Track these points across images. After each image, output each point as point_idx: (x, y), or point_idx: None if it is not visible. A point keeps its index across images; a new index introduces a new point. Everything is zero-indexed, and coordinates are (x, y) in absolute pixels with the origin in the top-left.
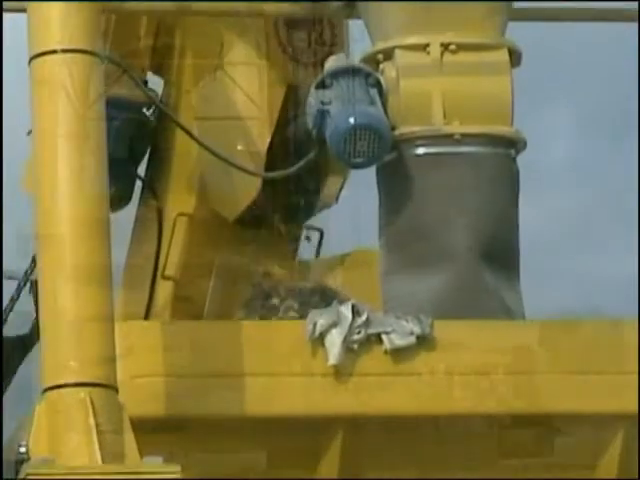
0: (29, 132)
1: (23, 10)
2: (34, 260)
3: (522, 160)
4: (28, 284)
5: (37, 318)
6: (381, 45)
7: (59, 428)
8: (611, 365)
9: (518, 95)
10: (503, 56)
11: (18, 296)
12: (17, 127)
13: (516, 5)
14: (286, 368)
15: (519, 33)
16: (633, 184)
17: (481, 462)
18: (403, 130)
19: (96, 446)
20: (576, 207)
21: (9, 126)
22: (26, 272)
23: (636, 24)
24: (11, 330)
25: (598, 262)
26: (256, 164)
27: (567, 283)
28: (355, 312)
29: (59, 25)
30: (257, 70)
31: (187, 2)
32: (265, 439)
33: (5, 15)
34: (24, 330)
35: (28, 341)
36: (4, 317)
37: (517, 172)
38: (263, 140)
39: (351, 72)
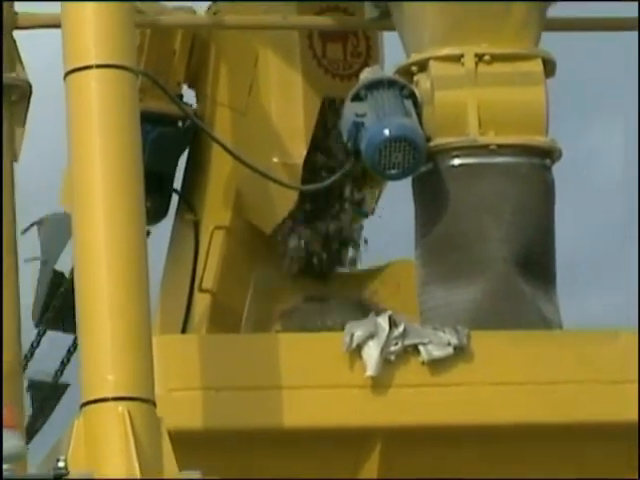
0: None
1: (58, 25)
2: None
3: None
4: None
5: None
6: (415, 57)
7: (97, 442)
8: None
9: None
10: (537, 66)
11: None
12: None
13: (550, 15)
14: (324, 380)
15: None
16: None
17: (519, 473)
18: (438, 141)
19: (134, 460)
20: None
21: (45, 139)
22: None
23: None
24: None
25: None
26: (292, 177)
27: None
28: (392, 323)
29: (94, 40)
30: (292, 83)
31: (221, 16)
32: (303, 452)
33: (40, 31)
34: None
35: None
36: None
37: (552, 182)
38: (299, 153)
39: (386, 84)
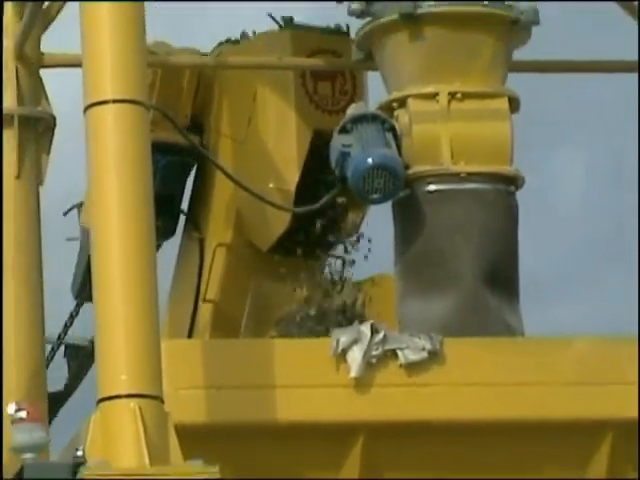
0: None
1: (79, 65)
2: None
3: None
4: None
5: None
6: (396, 94)
7: (112, 434)
8: (599, 376)
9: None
10: (504, 104)
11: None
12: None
13: (515, 57)
14: (313, 380)
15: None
16: None
17: (488, 465)
18: (415, 169)
19: (144, 450)
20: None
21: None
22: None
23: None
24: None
25: None
26: (286, 200)
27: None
28: (374, 330)
29: (110, 78)
30: (286, 117)
31: (224, 57)
32: (294, 443)
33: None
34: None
35: (63, 398)
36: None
37: (517, 206)
38: (292, 179)
39: (369, 118)
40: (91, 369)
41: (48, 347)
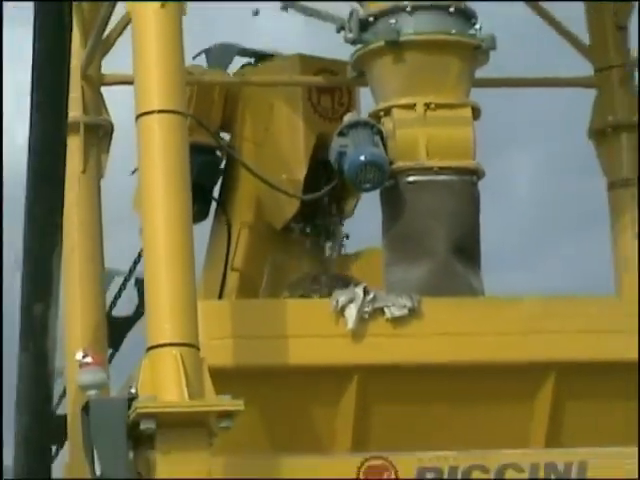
0: (133, 171)
1: (131, 83)
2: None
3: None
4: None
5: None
6: (382, 105)
7: (158, 375)
8: (543, 326)
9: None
10: (468, 112)
11: (125, 286)
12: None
13: (477, 75)
14: (318, 331)
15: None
16: None
17: (456, 397)
18: (398, 165)
19: (184, 388)
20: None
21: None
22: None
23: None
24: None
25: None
26: (296, 189)
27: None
28: (366, 292)
29: (156, 92)
30: (296, 124)
31: (247, 76)
32: (303, 382)
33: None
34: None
35: (132, 321)
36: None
37: (478, 193)
38: (301, 172)
39: (362, 124)
40: None
41: (120, 279)
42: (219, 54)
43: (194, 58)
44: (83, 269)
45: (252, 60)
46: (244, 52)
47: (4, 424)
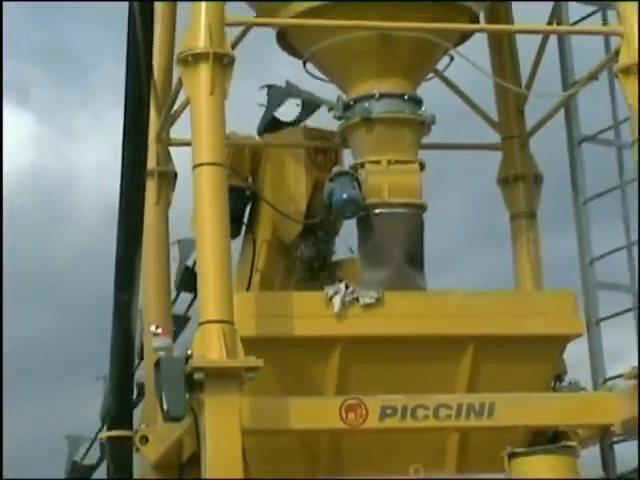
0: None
1: (189, 144)
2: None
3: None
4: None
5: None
6: (358, 161)
7: (206, 342)
8: (466, 310)
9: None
10: (416, 166)
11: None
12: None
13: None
14: (315, 313)
15: None
16: None
17: (407, 359)
18: (369, 201)
19: (224, 351)
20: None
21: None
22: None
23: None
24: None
25: None
26: (299, 216)
27: None
28: (347, 287)
29: (206, 150)
30: (299, 173)
31: (267, 139)
32: (302, 348)
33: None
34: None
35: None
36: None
37: (423, 220)
38: (303, 205)
39: (344, 174)
40: None
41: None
42: (277, 93)
43: (261, 88)
44: (155, 271)
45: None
46: (296, 93)
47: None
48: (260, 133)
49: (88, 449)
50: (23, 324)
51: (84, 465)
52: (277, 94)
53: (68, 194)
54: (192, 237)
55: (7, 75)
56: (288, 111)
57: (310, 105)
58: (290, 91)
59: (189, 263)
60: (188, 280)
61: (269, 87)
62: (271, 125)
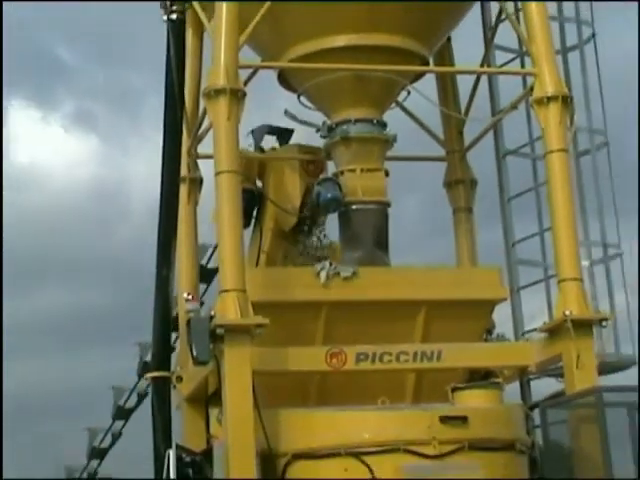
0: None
1: (211, 157)
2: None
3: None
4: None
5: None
6: (339, 169)
7: (225, 305)
8: (423, 280)
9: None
10: (382, 172)
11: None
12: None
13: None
14: (306, 283)
15: None
16: None
17: (377, 318)
18: (347, 199)
19: (238, 312)
20: None
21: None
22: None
23: None
24: None
25: None
26: (295, 211)
27: None
28: (330, 264)
29: (225, 160)
30: (294, 179)
31: (271, 153)
32: (297, 310)
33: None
34: None
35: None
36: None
37: (388, 214)
38: (297, 202)
39: (329, 179)
40: None
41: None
42: (258, 131)
43: (247, 134)
44: (186, 253)
45: (276, 139)
46: (271, 130)
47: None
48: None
49: (129, 396)
50: (92, 296)
51: (126, 408)
52: (258, 133)
53: (123, 196)
54: (204, 243)
55: (79, 107)
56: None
57: (285, 135)
58: (266, 130)
59: (203, 262)
60: (202, 274)
61: (252, 131)
62: (259, 151)
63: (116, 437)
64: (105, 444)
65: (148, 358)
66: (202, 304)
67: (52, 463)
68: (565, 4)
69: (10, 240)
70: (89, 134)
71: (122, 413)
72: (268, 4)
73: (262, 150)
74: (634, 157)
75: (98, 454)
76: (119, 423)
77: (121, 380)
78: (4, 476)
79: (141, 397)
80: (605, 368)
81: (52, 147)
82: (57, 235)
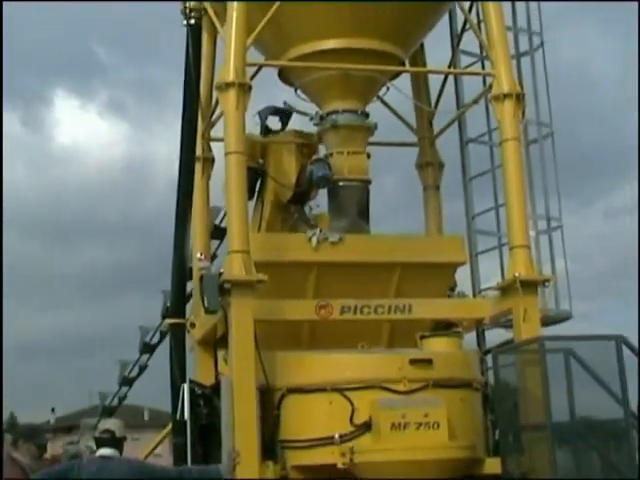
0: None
1: (222, 140)
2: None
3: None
4: None
5: None
6: (329, 151)
7: (232, 264)
8: (398, 246)
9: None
10: (365, 155)
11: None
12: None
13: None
14: (300, 247)
15: None
16: None
17: (358, 276)
18: (335, 177)
19: (243, 269)
20: None
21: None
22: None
23: None
24: None
25: None
26: (291, 186)
27: None
28: (320, 230)
29: (233, 143)
30: (291, 159)
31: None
32: (292, 268)
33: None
34: None
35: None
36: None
37: (369, 190)
38: (293, 179)
39: (320, 160)
40: None
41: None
42: (264, 112)
43: (254, 115)
44: (200, 218)
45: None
46: (275, 111)
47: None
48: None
49: (153, 334)
50: (124, 253)
51: (150, 344)
52: (264, 113)
53: (148, 171)
54: (218, 206)
55: (112, 98)
56: (273, 121)
57: (286, 116)
58: (270, 111)
59: (216, 222)
60: (215, 231)
61: (259, 112)
62: (265, 131)
63: (142, 368)
64: (133, 374)
65: (169, 304)
66: (215, 257)
67: (88, 390)
68: (519, 17)
69: (57, 207)
70: (120, 120)
71: (148, 348)
72: (271, 12)
73: (267, 128)
74: (574, 145)
75: (127, 382)
76: (145, 357)
77: (148, 321)
78: (49, 406)
79: (163, 335)
80: (547, 321)
81: (90, 130)
82: (95, 203)
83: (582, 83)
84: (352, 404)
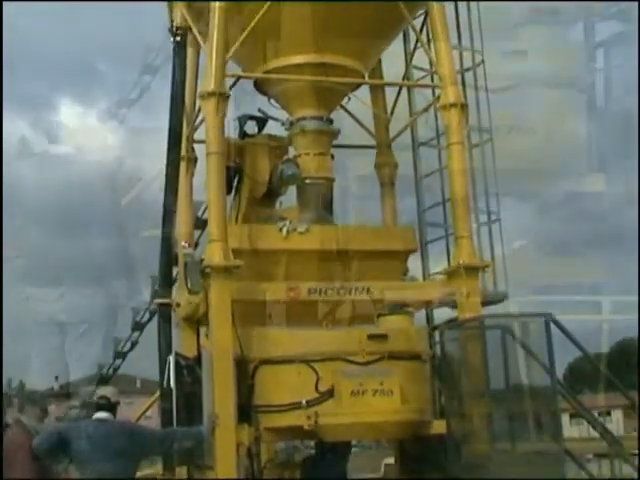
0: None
1: (204, 142)
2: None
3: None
4: None
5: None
6: (297, 153)
7: (212, 251)
8: (352, 236)
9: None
10: (329, 157)
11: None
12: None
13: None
14: (271, 236)
15: None
16: None
17: (327, 261)
18: (303, 175)
19: (222, 256)
20: None
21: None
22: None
23: None
24: None
25: None
26: (264, 183)
27: None
28: (290, 222)
29: (214, 145)
30: (264, 160)
31: (247, 141)
32: (266, 255)
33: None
34: None
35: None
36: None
37: (333, 187)
38: (266, 177)
39: (290, 160)
40: None
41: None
42: (242, 118)
43: (234, 120)
44: (184, 212)
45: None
46: (252, 118)
47: None
48: (240, 137)
49: (143, 314)
50: (119, 241)
51: (141, 323)
52: (243, 120)
53: (140, 169)
54: (200, 200)
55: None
56: (250, 126)
57: (262, 122)
58: (248, 117)
59: (199, 214)
60: (197, 222)
61: (238, 118)
62: (243, 135)
63: (134, 344)
64: (126, 349)
65: (157, 287)
66: (197, 245)
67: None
68: (463, 37)
69: (66, 201)
70: (118, 125)
71: (138, 326)
72: (248, 31)
73: (245, 133)
74: (511, 148)
75: (121, 356)
76: (136, 334)
77: (138, 302)
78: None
79: (152, 314)
80: (486, 301)
81: (90, 134)
82: (94, 199)
83: (520, 95)
84: (317, 374)
